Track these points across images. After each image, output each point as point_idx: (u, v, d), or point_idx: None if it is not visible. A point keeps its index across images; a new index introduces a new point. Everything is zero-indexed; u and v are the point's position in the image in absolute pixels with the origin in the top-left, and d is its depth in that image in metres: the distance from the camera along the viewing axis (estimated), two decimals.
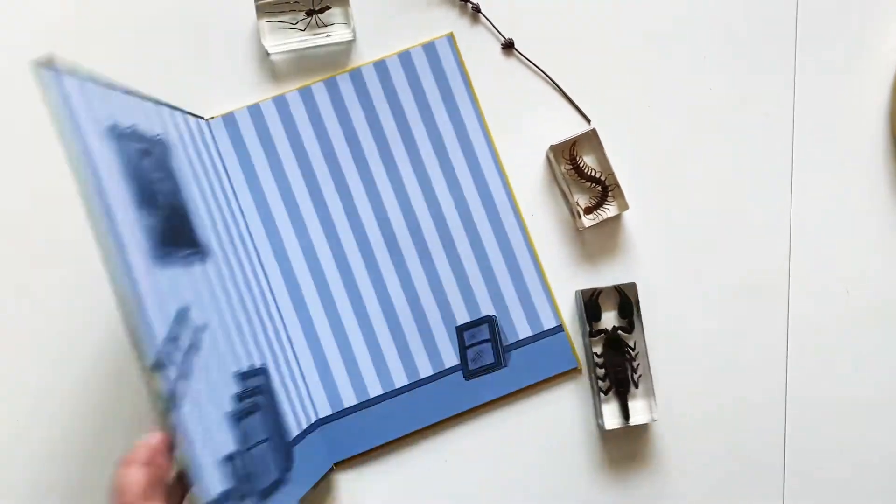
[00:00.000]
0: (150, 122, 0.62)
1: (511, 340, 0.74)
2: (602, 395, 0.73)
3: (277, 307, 0.73)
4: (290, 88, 0.74)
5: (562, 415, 0.74)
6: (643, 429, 0.74)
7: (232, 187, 0.73)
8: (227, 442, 0.56)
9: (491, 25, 0.76)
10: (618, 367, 0.73)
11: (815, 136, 0.75)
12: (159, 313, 0.52)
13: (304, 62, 0.75)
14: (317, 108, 0.74)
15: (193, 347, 0.56)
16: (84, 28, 0.74)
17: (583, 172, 0.74)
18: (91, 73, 0.54)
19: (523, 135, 0.75)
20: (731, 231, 0.75)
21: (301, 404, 0.71)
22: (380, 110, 0.74)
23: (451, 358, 0.74)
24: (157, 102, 0.64)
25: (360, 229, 0.74)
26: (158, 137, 0.62)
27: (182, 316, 0.56)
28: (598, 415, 0.72)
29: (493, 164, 0.75)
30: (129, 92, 0.59)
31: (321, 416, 0.73)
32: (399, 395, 0.73)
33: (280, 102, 0.74)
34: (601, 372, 0.73)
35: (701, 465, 0.73)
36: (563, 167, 0.74)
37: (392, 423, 0.73)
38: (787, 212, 0.75)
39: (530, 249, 0.74)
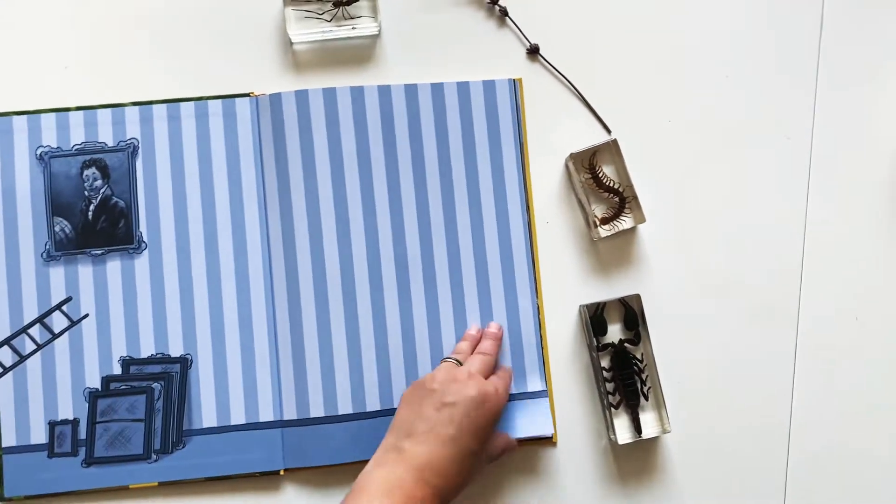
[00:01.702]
0: (118, 131, 0.72)
1: None
2: (613, 409, 0.72)
3: (273, 298, 0.71)
4: (311, 79, 0.73)
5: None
6: (653, 442, 0.73)
7: (262, 169, 0.72)
8: (67, 411, 0.70)
9: (517, 29, 0.75)
10: (627, 381, 0.72)
11: (832, 159, 0.76)
12: (32, 301, 0.70)
13: (327, 53, 0.74)
14: (363, 110, 0.73)
15: (66, 331, 0.71)
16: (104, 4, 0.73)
17: (601, 182, 0.73)
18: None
19: (543, 141, 0.74)
20: (745, 249, 0.75)
21: (256, 399, 0.71)
22: (425, 131, 0.73)
23: None
24: (149, 103, 0.73)
25: (374, 243, 0.72)
26: (125, 143, 0.72)
27: (62, 304, 0.71)
28: (611, 430, 0.71)
29: (522, 218, 0.74)
30: (103, 106, 0.73)
31: (286, 418, 0.71)
32: (368, 419, 0.71)
33: (328, 94, 0.72)
34: (610, 386, 0.72)
35: (707, 477, 0.73)
36: (582, 176, 0.74)
37: (354, 445, 0.70)
38: (800, 234, 0.75)
39: (536, 313, 0.73)
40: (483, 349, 0.70)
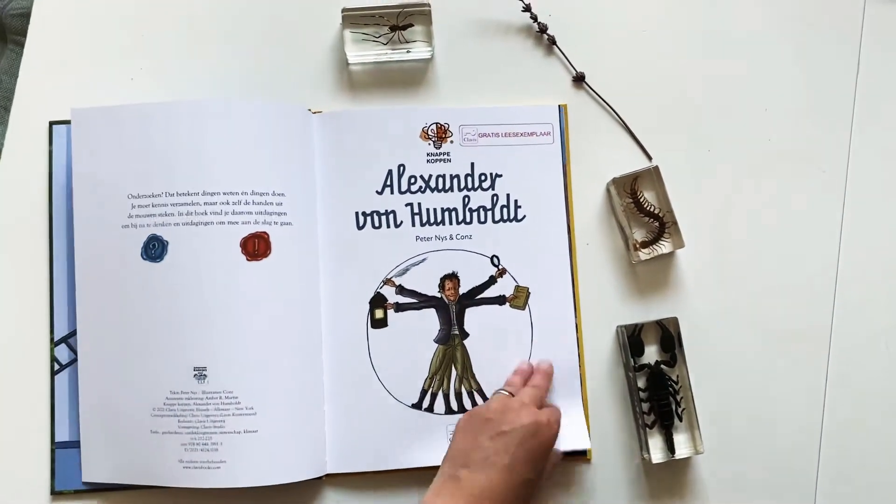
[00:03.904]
0: None
1: None
2: (647, 428, 0.73)
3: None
4: (366, 99, 0.76)
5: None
6: (685, 462, 0.74)
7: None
8: None
9: (564, 58, 0.78)
10: (662, 401, 0.74)
11: (865, 191, 0.78)
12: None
13: (381, 75, 0.77)
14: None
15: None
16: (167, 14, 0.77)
17: (642, 207, 0.76)
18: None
19: (586, 165, 0.77)
20: (779, 277, 0.77)
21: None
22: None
23: None
24: None
25: None
26: None
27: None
28: (644, 449, 0.73)
29: (564, 239, 0.76)
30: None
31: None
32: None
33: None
34: (646, 406, 0.74)
35: (736, 499, 0.74)
36: (623, 200, 0.76)
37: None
38: (833, 264, 0.77)
39: (575, 331, 0.75)
40: (535, 382, 0.71)
